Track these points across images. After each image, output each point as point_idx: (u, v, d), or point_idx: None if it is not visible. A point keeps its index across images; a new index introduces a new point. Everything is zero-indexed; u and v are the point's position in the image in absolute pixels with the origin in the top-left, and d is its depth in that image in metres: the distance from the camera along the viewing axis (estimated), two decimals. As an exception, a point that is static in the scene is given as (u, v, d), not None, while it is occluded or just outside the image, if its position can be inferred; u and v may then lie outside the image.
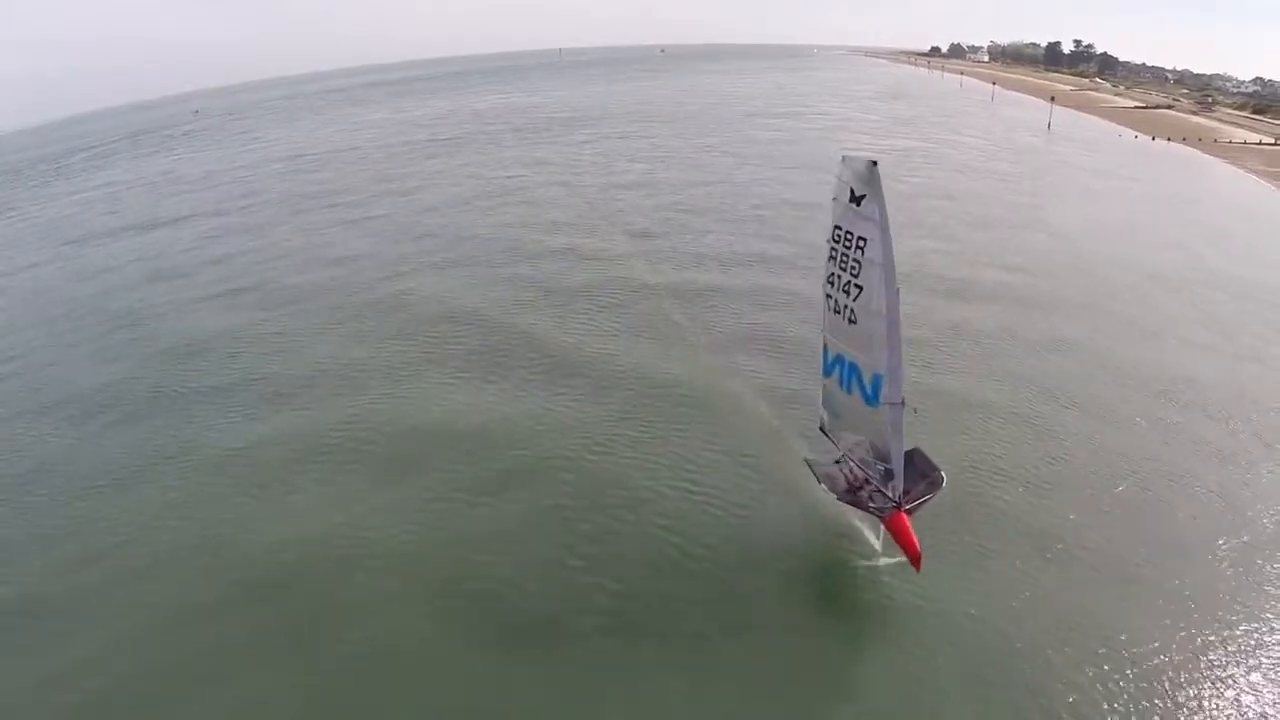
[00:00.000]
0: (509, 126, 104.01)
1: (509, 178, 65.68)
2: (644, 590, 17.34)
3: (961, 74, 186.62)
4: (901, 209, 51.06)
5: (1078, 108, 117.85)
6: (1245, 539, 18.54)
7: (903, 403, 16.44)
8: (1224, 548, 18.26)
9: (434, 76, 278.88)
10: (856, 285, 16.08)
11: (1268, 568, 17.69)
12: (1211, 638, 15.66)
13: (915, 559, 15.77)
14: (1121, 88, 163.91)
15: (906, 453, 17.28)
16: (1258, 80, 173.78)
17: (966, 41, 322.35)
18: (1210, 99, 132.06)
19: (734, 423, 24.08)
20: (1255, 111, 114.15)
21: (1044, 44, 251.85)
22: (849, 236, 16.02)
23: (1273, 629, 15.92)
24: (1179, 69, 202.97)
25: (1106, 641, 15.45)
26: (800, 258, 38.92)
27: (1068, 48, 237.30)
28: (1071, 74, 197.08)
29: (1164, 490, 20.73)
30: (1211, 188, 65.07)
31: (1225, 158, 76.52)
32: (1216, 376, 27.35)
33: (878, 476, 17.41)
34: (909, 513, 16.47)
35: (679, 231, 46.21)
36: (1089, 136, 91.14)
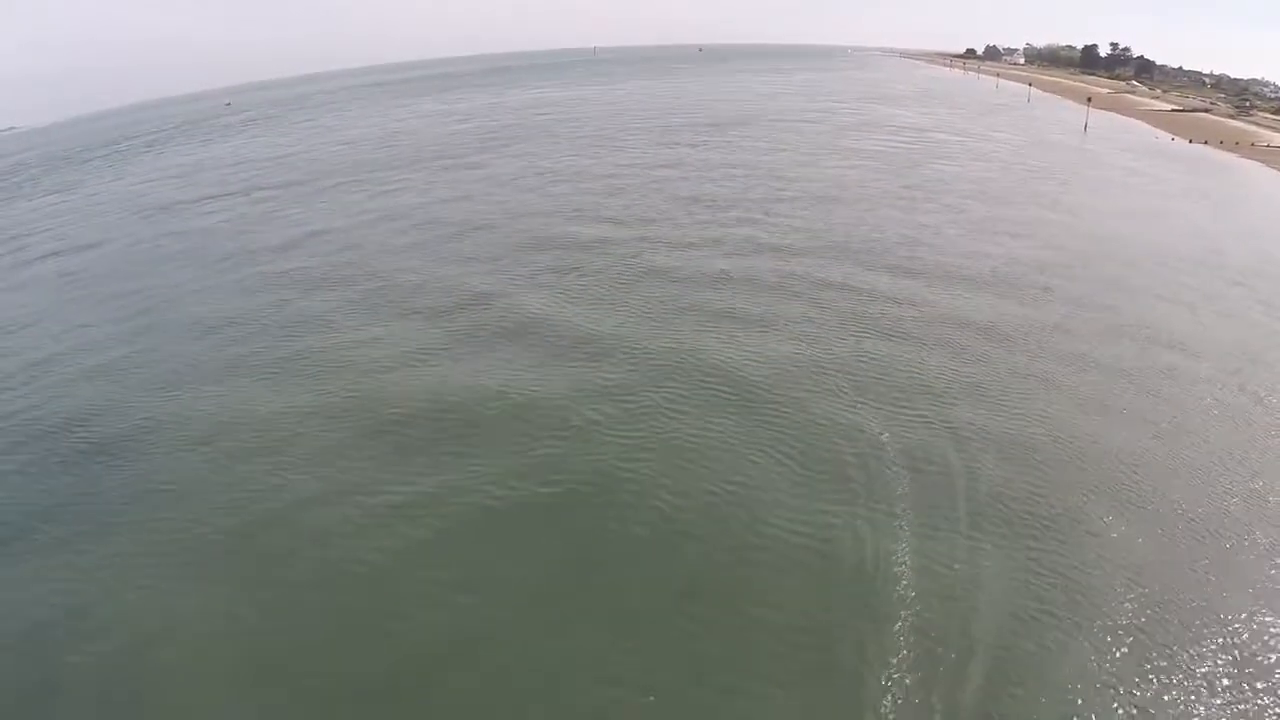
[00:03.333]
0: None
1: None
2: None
3: (997, 76, 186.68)
4: (929, 190, 55.19)
5: (1114, 110, 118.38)
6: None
7: None
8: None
9: (464, 74, 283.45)
10: None
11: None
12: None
13: None
14: (1158, 91, 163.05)
15: None
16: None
17: (1002, 44, 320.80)
18: (1248, 103, 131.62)
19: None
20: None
21: (1080, 46, 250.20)
22: None
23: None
24: (1216, 73, 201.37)
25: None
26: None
27: (1104, 51, 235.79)
28: (1108, 77, 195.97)
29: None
30: (1246, 189, 65.77)
31: (1263, 161, 77.10)
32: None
33: None
34: None
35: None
36: (1124, 137, 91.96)
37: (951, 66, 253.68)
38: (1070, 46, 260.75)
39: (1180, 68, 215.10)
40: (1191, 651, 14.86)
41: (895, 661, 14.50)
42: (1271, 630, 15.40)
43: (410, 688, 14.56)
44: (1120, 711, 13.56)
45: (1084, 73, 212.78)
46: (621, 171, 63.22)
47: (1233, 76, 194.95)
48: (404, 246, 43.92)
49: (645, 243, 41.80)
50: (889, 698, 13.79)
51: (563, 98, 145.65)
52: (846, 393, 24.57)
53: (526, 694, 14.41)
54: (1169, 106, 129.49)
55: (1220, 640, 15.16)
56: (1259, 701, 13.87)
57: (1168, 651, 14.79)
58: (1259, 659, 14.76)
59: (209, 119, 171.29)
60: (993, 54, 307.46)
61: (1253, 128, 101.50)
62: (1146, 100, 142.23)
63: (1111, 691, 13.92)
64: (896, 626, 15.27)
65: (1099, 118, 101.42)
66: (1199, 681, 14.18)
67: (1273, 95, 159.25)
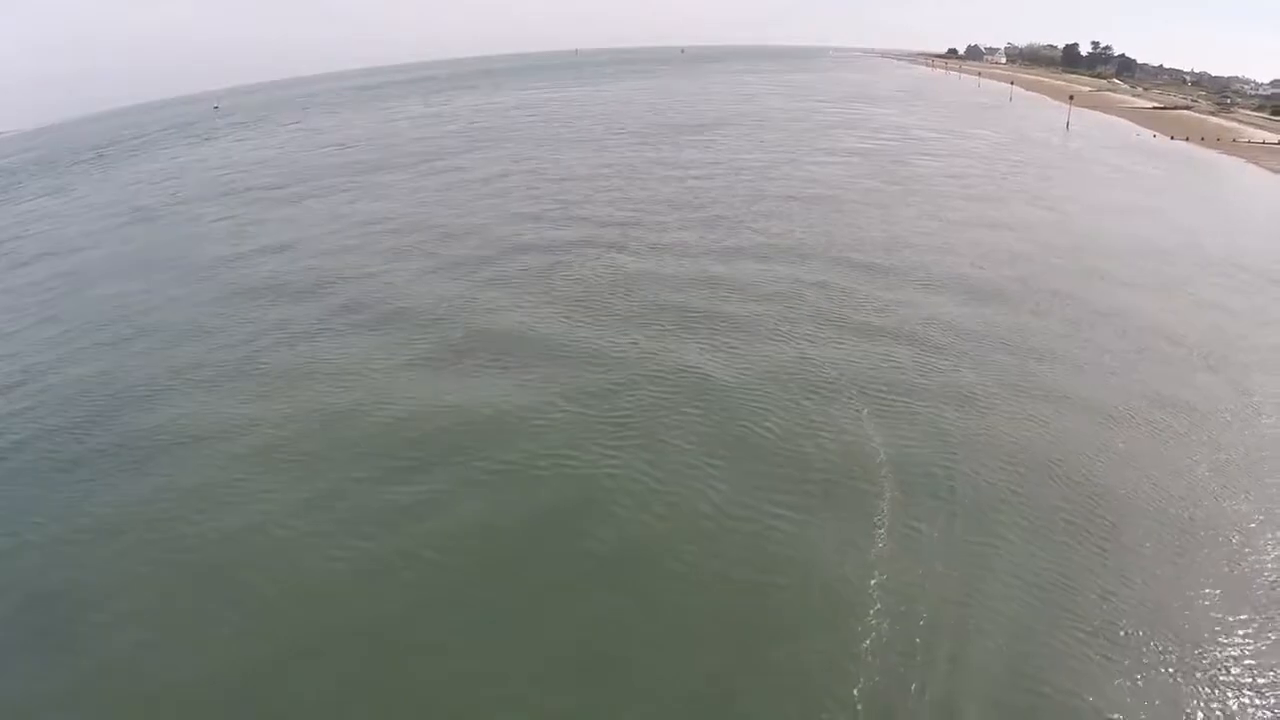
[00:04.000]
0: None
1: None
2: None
3: (979, 75, 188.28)
4: (911, 187, 55.61)
5: (1096, 108, 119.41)
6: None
7: None
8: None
9: (462, 75, 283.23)
10: None
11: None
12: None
13: None
14: (1140, 89, 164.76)
15: None
16: (1276, 83, 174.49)
17: (983, 43, 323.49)
18: (1229, 100, 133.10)
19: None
20: (1274, 112, 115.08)
21: (1061, 46, 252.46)
22: None
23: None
24: (1197, 71, 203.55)
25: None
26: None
27: (1085, 49, 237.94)
28: (1089, 75, 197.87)
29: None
30: (1229, 184, 66.62)
31: (1245, 157, 77.85)
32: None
33: None
34: None
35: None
36: (1106, 135, 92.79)
37: (932, 66, 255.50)
38: (1052, 46, 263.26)
39: (1161, 66, 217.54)
40: (1169, 627, 15.10)
41: (876, 660, 14.59)
42: (1252, 605, 15.68)
43: (400, 703, 14.48)
44: (1106, 705, 13.75)
45: (1065, 71, 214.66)
46: (605, 172, 63.34)
47: (1213, 74, 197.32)
48: (391, 250, 43.78)
49: (628, 242, 41.92)
50: (870, 695, 13.91)
51: (551, 99, 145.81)
52: (826, 389, 24.68)
53: (514, 698, 14.45)
54: (1150, 104, 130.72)
55: (1199, 609, 15.47)
56: (1244, 680, 14.10)
57: (1150, 633, 15.00)
58: (1236, 638, 14.98)
59: (200, 121, 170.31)
60: (974, 54, 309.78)
61: (1234, 124, 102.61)
62: (1128, 98, 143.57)
63: (1094, 679, 14.11)
64: (881, 621, 15.37)
65: (1081, 115, 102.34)
66: (1182, 664, 14.38)
67: (1253, 93, 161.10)
